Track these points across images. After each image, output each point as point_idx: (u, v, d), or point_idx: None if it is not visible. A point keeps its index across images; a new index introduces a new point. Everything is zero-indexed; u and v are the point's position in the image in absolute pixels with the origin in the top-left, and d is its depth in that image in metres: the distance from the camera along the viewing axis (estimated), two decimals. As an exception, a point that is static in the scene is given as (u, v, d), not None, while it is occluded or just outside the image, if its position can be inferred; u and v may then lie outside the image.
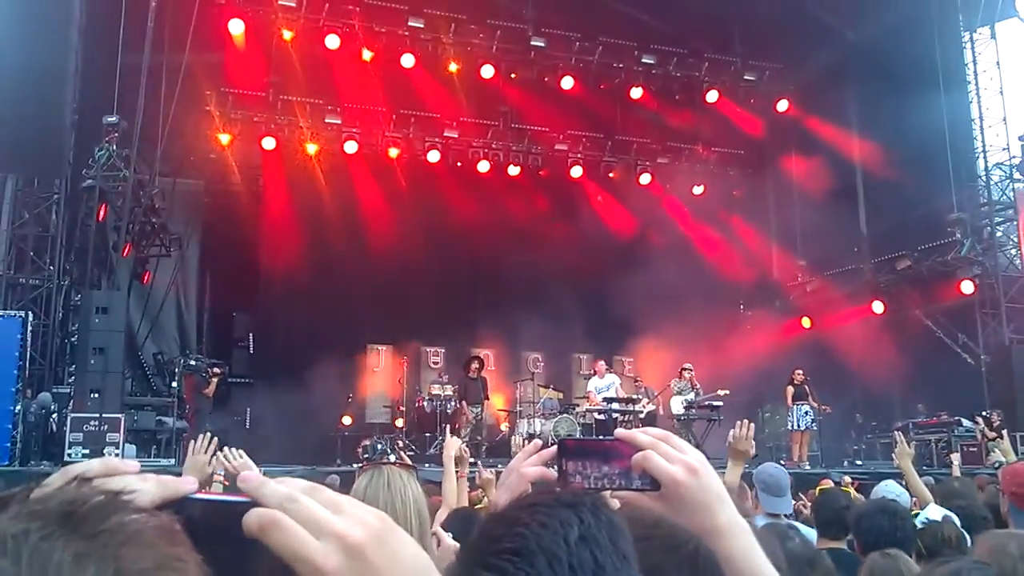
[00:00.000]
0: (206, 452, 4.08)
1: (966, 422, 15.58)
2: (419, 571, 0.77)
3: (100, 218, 14.74)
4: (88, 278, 14.51)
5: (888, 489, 5.75)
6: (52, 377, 13.78)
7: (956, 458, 8.05)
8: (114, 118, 14.08)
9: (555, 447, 1.30)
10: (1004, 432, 9.61)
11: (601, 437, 1.31)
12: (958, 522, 4.35)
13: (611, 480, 1.21)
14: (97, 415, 11.82)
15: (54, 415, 12.76)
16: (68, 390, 13.26)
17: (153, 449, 13.26)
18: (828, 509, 4.62)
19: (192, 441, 4.24)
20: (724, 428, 15.50)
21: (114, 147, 14.06)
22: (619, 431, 1.26)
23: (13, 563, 0.61)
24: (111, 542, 0.64)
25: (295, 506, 0.74)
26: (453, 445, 4.93)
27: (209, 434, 4.19)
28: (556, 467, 1.25)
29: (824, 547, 4.15)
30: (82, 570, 0.62)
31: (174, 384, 14.85)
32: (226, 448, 4.09)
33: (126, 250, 15.31)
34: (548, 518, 1.08)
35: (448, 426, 15.39)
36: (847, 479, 7.95)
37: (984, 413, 15.40)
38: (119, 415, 12.11)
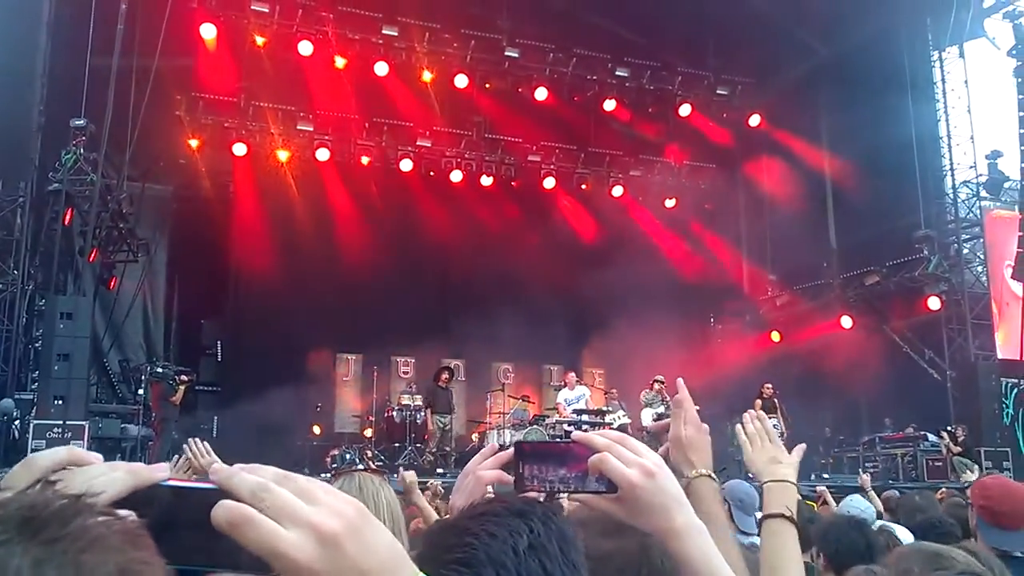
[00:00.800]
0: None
1: (932, 437, 15.75)
2: (394, 560, 0.76)
3: (66, 222, 14.50)
4: (53, 283, 14.26)
5: (854, 504, 5.81)
6: (15, 383, 13.54)
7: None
8: (82, 121, 13.87)
9: (511, 450, 1.29)
10: (966, 460, 9.61)
11: (558, 440, 1.28)
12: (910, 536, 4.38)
13: (568, 483, 1.21)
14: (60, 422, 11.63)
15: (16, 421, 12.54)
16: (31, 396, 13.04)
17: (118, 457, 13.01)
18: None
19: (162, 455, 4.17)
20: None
21: (81, 151, 13.86)
22: (575, 434, 1.25)
23: None
24: (72, 547, 0.62)
25: (267, 496, 0.73)
26: (408, 478, 4.91)
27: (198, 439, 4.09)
28: (513, 470, 1.24)
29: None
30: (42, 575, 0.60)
31: (140, 392, 14.62)
32: (193, 440, 4.00)
33: (92, 255, 15.08)
34: (497, 527, 1.08)
35: (415, 436, 15.45)
36: (822, 488, 7.96)
37: (949, 428, 15.59)
38: (83, 422, 11.94)
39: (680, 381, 1.97)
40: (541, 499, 1.31)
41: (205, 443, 4.00)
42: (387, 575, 0.75)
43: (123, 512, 0.73)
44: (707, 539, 1.23)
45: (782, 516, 1.98)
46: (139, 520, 0.72)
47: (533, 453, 1.24)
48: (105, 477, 0.76)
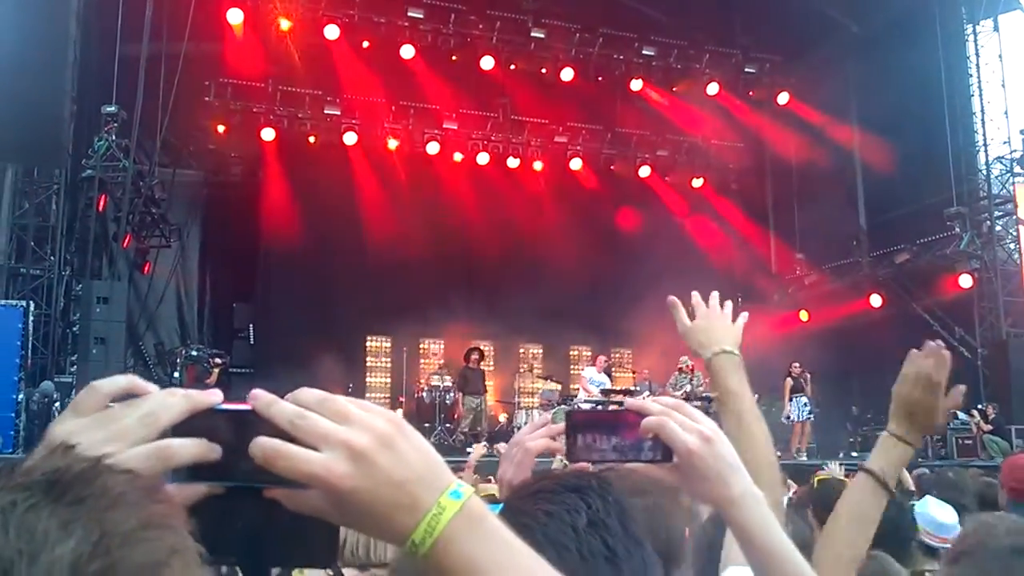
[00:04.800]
0: None
1: (962, 415, 15.61)
2: (428, 469, 0.80)
3: (100, 208, 14.78)
4: (89, 268, 14.56)
5: None
6: (54, 366, 13.82)
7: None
8: (113, 108, 14.09)
9: (561, 424, 1.27)
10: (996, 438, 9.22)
11: (611, 408, 1.28)
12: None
13: (621, 452, 1.17)
14: (98, 404, 11.84)
15: (57, 404, 12.81)
16: (70, 379, 13.29)
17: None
18: (827, 499, 4.66)
19: None
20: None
21: (113, 137, 14.08)
22: (629, 401, 1.23)
23: (2, 534, 0.63)
24: (96, 506, 0.65)
25: (303, 422, 0.78)
26: (478, 452, 5.13)
27: None
28: (564, 440, 1.21)
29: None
30: (69, 535, 0.63)
31: (175, 375, 14.89)
32: None
33: (126, 240, 15.37)
34: (553, 505, 1.06)
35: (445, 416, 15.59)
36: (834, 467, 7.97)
37: (980, 406, 15.46)
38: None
39: (695, 294, 1.99)
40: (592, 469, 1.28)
41: None
42: (423, 484, 0.79)
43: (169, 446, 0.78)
44: (765, 507, 1.21)
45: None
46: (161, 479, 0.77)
47: (585, 423, 1.21)
48: (163, 402, 0.81)
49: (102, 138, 14.05)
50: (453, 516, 0.78)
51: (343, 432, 0.78)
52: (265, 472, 0.78)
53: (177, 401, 0.81)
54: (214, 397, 0.83)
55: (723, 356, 1.87)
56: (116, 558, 0.64)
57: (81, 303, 13.83)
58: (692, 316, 2.03)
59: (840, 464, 7.62)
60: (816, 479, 5.90)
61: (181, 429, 0.80)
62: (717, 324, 1.94)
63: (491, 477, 8.88)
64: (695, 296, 2.00)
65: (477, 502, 0.80)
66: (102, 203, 14.78)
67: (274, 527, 0.83)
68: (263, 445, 0.77)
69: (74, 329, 14.27)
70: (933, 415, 1.99)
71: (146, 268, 16.70)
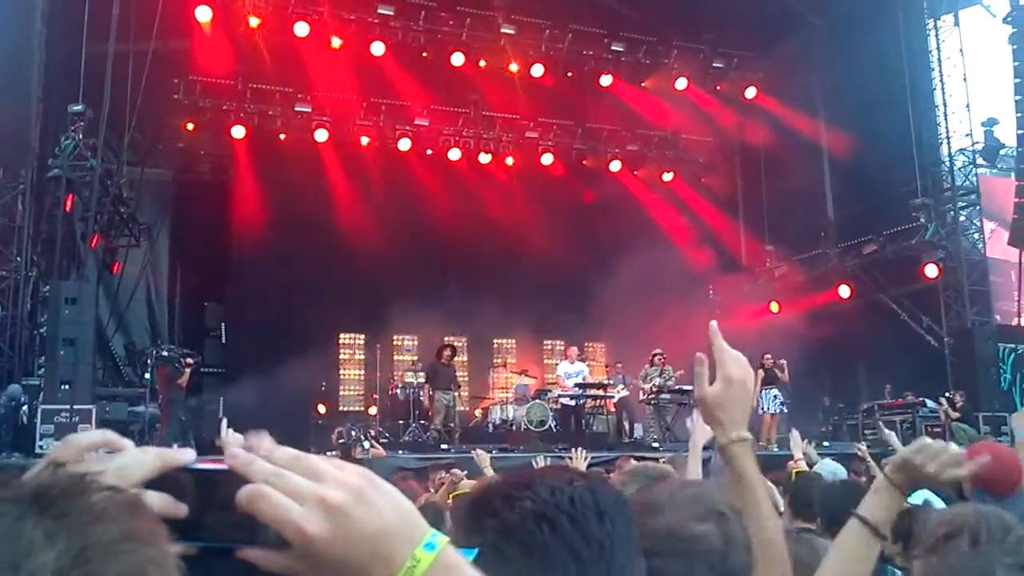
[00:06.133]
0: None
1: (930, 403, 15.90)
2: (402, 521, 0.82)
3: (67, 208, 14.59)
4: (56, 269, 14.38)
5: (827, 467, 6.06)
6: (22, 369, 13.66)
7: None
8: (80, 107, 13.92)
9: None
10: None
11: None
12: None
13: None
14: (68, 406, 11.75)
15: (24, 407, 12.68)
16: (38, 382, 13.15)
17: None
18: (805, 493, 4.83)
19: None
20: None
21: (80, 136, 13.91)
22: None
23: None
24: (79, 519, 0.68)
25: (279, 480, 0.80)
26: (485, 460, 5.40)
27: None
28: None
29: (798, 526, 4.33)
30: (52, 545, 0.67)
31: (147, 375, 14.77)
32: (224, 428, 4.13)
33: (94, 240, 15.20)
34: (553, 476, 1.16)
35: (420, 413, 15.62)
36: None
37: (947, 394, 15.73)
38: (90, 406, 12.07)
39: (713, 325, 1.82)
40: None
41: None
42: (397, 537, 0.81)
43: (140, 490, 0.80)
44: None
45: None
46: (150, 494, 0.79)
47: None
48: (138, 458, 0.82)
49: (69, 137, 13.89)
50: (427, 568, 0.79)
51: (318, 488, 0.80)
52: (238, 532, 0.80)
53: (150, 458, 0.82)
54: (187, 456, 0.84)
55: (739, 444, 1.80)
56: (96, 568, 0.67)
57: (49, 304, 13.66)
58: (711, 357, 1.85)
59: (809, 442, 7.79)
60: (794, 471, 6.02)
61: (154, 485, 0.81)
62: (736, 399, 1.81)
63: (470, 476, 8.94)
64: (721, 344, 1.82)
65: (452, 552, 0.82)
66: (69, 203, 14.60)
67: None
68: (248, 489, 0.80)
69: (42, 331, 14.12)
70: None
71: (115, 268, 16.57)
